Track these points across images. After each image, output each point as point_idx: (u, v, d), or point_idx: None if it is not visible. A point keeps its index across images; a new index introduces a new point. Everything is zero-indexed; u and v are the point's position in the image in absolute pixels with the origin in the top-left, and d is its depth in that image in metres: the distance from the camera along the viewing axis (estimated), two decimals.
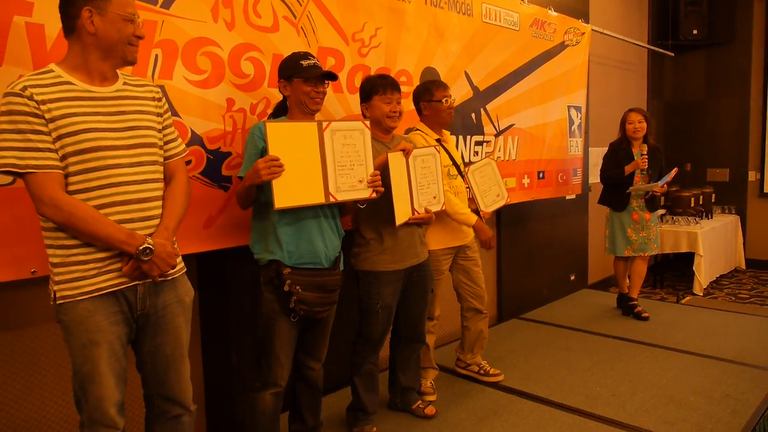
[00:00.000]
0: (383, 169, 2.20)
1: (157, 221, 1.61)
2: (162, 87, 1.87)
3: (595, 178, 5.15)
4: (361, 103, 2.39)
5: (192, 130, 2.15)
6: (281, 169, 1.88)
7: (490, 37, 3.60)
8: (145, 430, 1.76)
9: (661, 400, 2.75)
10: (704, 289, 5.22)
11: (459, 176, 2.76)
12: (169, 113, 1.74)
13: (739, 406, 2.67)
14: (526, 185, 4.09)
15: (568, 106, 4.47)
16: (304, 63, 2.06)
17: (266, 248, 2.04)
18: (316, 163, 1.99)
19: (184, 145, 1.79)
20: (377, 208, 2.27)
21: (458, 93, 3.41)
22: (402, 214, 2.27)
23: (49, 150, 1.46)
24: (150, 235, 1.57)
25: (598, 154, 5.26)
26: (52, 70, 1.52)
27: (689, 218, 5.53)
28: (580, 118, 4.65)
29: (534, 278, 4.55)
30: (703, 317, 4.16)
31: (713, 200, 5.99)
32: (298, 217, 2.02)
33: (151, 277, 1.57)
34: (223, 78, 2.23)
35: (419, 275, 2.48)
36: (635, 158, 3.96)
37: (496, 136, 3.77)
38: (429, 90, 2.66)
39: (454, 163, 2.74)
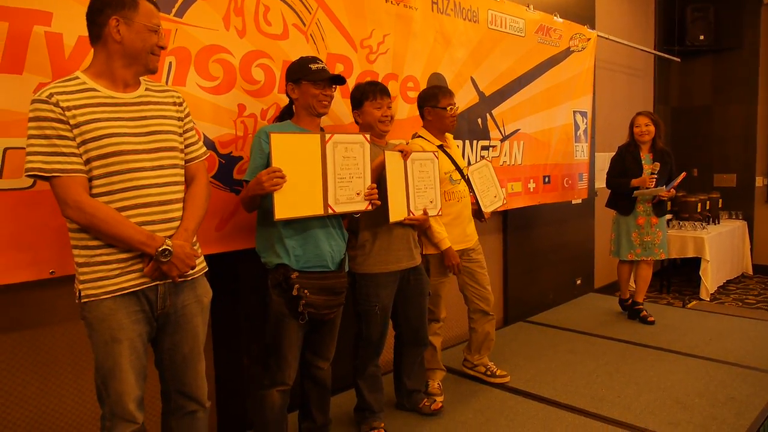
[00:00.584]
0: (380, 169, 2.25)
1: (177, 223, 1.66)
2: None
3: (601, 182, 5.17)
4: (352, 110, 2.43)
5: (204, 135, 2.21)
6: (283, 181, 1.92)
7: (496, 43, 3.65)
8: (162, 424, 1.81)
9: (666, 402, 2.77)
10: (711, 294, 5.22)
11: (462, 181, 2.80)
12: (190, 117, 1.79)
13: (744, 408, 2.68)
14: (531, 190, 4.12)
15: (574, 112, 4.51)
16: (313, 66, 2.11)
17: (273, 252, 2.08)
18: (317, 175, 2.03)
19: (204, 148, 1.83)
20: (372, 211, 2.28)
21: (464, 98, 3.46)
22: (396, 212, 2.31)
23: (74, 154, 1.51)
24: (170, 236, 1.62)
25: (604, 159, 5.29)
26: (77, 77, 1.58)
27: (696, 223, 5.54)
28: (586, 123, 4.68)
29: (540, 282, 4.58)
30: (709, 321, 4.16)
31: (720, 206, 5.99)
32: (304, 221, 2.07)
33: (171, 277, 1.62)
34: (235, 84, 2.29)
35: (416, 279, 2.52)
36: (643, 163, 3.98)
37: (502, 141, 3.81)
38: (435, 96, 2.70)
39: (458, 168, 2.77)
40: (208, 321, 1.83)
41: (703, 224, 5.56)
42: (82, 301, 1.57)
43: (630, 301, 4.28)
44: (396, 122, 2.90)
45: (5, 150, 1.75)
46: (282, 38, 2.44)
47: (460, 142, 3.44)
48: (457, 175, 2.76)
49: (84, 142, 1.52)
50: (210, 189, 1.82)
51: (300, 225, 2.06)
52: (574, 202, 4.78)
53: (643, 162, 4.00)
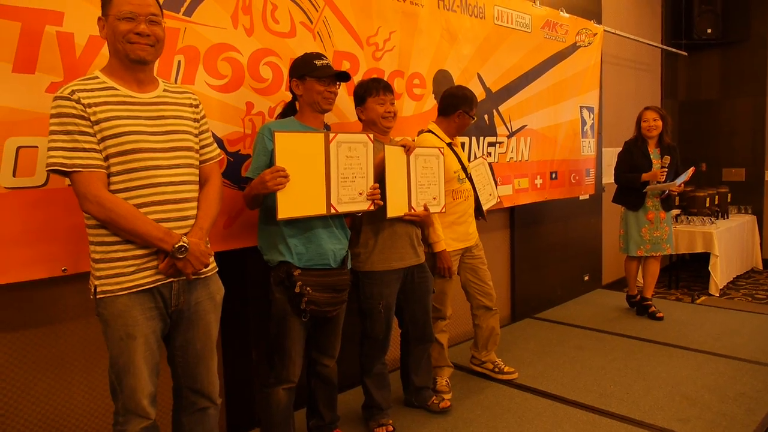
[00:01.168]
0: (382, 165, 2.25)
1: (192, 221, 1.69)
2: None
3: (608, 178, 5.15)
4: (356, 107, 2.43)
5: (213, 133, 2.20)
6: (287, 180, 1.92)
7: (503, 39, 3.65)
8: (173, 421, 1.83)
9: (675, 398, 2.77)
10: (720, 289, 5.19)
11: (467, 180, 2.80)
12: (206, 119, 1.82)
13: (754, 404, 2.68)
14: (538, 186, 4.11)
15: (581, 107, 4.49)
16: (318, 63, 2.11)
17: (276, 250, 2.09)
18: (320, 175, 2.03)
19: (218, 150, 1.86)
20: (379, 209, 2.27)
21: None
22: (395, 208, 2.30)
23: (94, 150, 1.54)
24: (185, 234, 1.64)
25: (611, 155, 5.27)
26: (97, 77, 1.60)
27: (705, 218, 5.51)
28: (593, 119, 4.67)
29: (547, 278, 4.57)
30: (719, 317, 4.15)
31: (729, 200, 5.95)
32: (306, 220, 2.07)
33: (185, 274, 1.64)
34: (243, 82, 2.31)
35: (420, 276, 2.52)
36: (652, 158, 3.97)
37: (509, 137, 3.81)
38: (470, 104, 2.72)
39: (463, 168, 2.79)
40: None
41: (712, 219, 5.53)
42: (98, 297, 1.59)
43: (638, 297, 4.27)
44: (401, 119, 2.91)
45: (18, 149, 1.77)
46: (289, 36, 2.44)
47: (466, 139, 3.44)
48: (463, 174, 2.77)
49: (104, 139, 1.55)
50: (223, 190, 1.85)
51: (302, 224, 2.07)
52: (581, 197, 4.77)
53: (651, 156, 3.99)
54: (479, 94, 3.54)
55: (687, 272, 5.93)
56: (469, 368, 3.16)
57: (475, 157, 3.49)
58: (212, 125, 2.20)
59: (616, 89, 5.41)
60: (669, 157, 3.93)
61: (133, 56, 1.59)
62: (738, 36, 6.26)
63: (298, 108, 2.20)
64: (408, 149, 2.34)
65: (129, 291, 1.58)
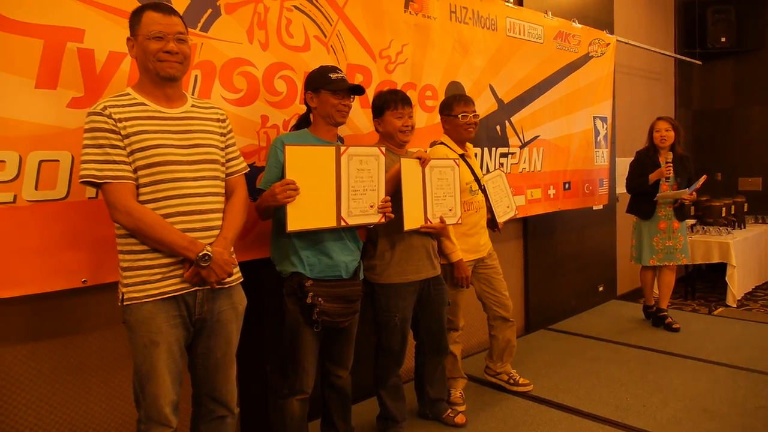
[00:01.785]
0: (397, 178, 2.26)
1: (216, 231, 1.73)
2: None
3: (622, 188, 5.13)
4: (373, 119, 2.43)
5: None
6: (296, 193, 1.94)
7: (515, 51, 3.66)
8: (191, 429, 1.85)
9: (693, 411, 2.73)
10: (738, 300, 5.12)
11: (480, 192, 2.80)
12: (233, 134, 1.87)
13: None
14: (551, 196, 4.10)
15: (594, 117, 4.48)
16: (333, 76, 2.13)
17: (288, 261, 2.11)
18: (331, 188, 2.05)
19: (245, 163, 1.90)
20: (395, 221, 2.27)
21: (483, 106, 3.46)
22: (412, 220, 2.30)
23: (124, 162, 1.60)
24: (210, 244, 1.68)
25: (625, 165, 5.23)
26: (128, 93, 1.67)
27: (721, 228, 5.45)
28: (606, 129, 4.66)
29: (561, 289, 4.54)
30: (737, 329, 4.09)
31: (746, 210, 5.88)
32: (317, 233, 2.08)
33: (209, 283, 1.68)
34: (258, 96, 2.34)
35: (436, 288, 2.52)
36: (661, 167, 3.95)
37: (521, 147, 3.81)
38: (449, 105, 2.71)
39: (476, 179, 2.78)
40: None
41: (729, 229, 5.47)
42: (125, 303, 1.64)
43: (654, 308, 4.22)
44: (414, 131, 2.92)
45: (40, 162, 1.81)
46: (304, 50, 2.48)
47: (479, 150, 3.45)
48: (475, 186, 2.77)
49: (133, 152, 1.61)
50: (248, 202, 1.89)
51: (314, 236, 2.09)
52: (595, 207, 4.75)
53: (662, 165, 3.96)
54: (491, 105, 3.55)
55: (703, 283, 5.86)
56: (483, 379, 3.14)
57: (488, 169, 3.50)
58: None
59: (629, 99, 5.40)
60: (672, 153, 3.93)
61: (163, 74, 1.66)
62: (753, 44, 6.22)
63: (312, 120, 2.22)
64: (423, 161, 2.34)
65: (155, 298, 1.63)
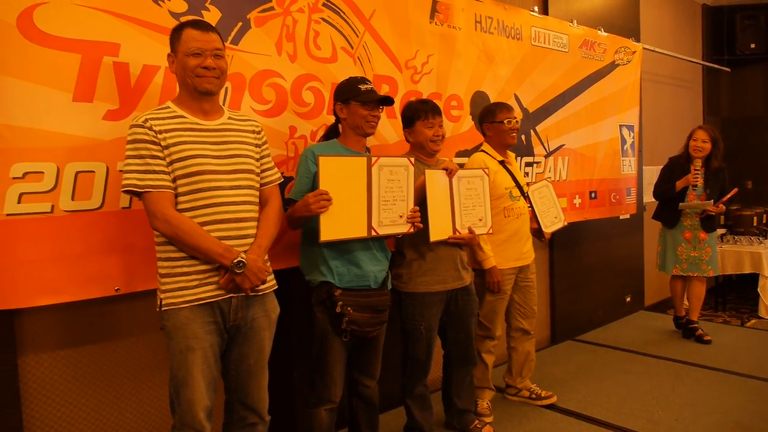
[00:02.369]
0: (423, 189, 2.26)
1: (251, 240, 1.77)
2: None
3: (649, 197, 5.05)
4: (403, 129, 2.44)
5: None
6: (329, 203, 1.96)
7: (540, 60, 3.65)
8: None
9: (726, 425, 2.66)
10: None
11: (522, 198, 2.79)
12: (267, 145, 1.91)
13: None
14: (577, 205, 4.06)
15: (620, 126, 4.44)
16: (362, 87, 2.15)
17: (317, 270, 2.12)
18: (362, 198, 2.06)
19: (279, 174, 1.95)
20: (423, 230, 2.27)
21: None
22: (438, 231, 2.30)
23: (164, 172, 1.65)
24: (245, 251, 1.72)
25: (653, 173, 5.16)
26: (168, 107, 1.73)
27: (752, 238, 5.32)
28: (633, 137, 4.60)
29: (588, 299, 4.48)
30: None
31: None
32: (347, 243, 2.10)
33: (244, 290, 1.71)
34: (286, 107, 2.37)
35: (464, 299, 2.50)
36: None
37: (546, 156, 3.78)
38: (492, 111, 2.74)
39: (517, 185, 2.78)
40: None
41: (760, 239, 5.34)
42: (163, 309, 1.68)
43: (685, 319, 4.13)
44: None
45: (77, 173, 1.86)
46: (331, 61, 2.51)
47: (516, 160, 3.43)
48: (516, 192, 2.76)
49: (172, 162, 1.66)
50: (282, 211, 1.93)
51: (343, 246, 2.10)
52: (622, 217, 4.68)
53: None
54: (516, 115, 3.53)
55: (734, 294, 5.71)
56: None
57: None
58: None
59: (657, 107, 5.32)
60: (700, 160, 3.84)
61: (201, 89, 1.71)
62: None
63: (341, 131, 2.24)
64: (450, 172, 2.34)
65: (191, 304, 1.67)
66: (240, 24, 2.22)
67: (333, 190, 1.97)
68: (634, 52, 4.51)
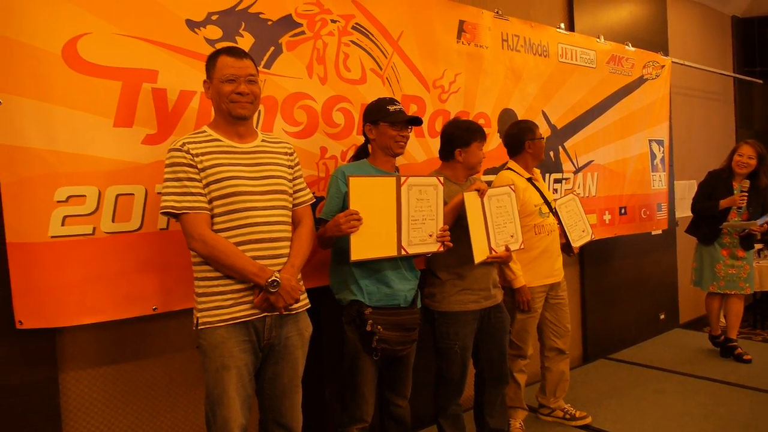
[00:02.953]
0: (458, 209, 2.27)
1: (284, 259, 1.79)
2: None
3: (682, 212, 4.96)
4: (456, 148, 2.39)
5: None
6: (360, 223, 1.98)
7: (567, 76, 3.64)
8: None
9: None
10: None
11: (551, 214, 2.78)
12: (300, 166, 1.95)
13: None
14: (607, 221, 4.01)
15: (650, 140, 4.38)
16: (391, 108, 2.18)
17: (347, 289, 2.14)
18: (392, 217, 2.08)
19: (311, 194, 1.98)
20: (453, 249, 2.26)
21: None
22: (480, 252, 2.30)
23: (200, 194, 1.70)
24: (278, 270, 1.74)
25: (684, 188, 5.08)
26: (204, 131, 1.79)
27: None
28: (663, 152, 4.53)
29: (621, 317, 4.39)
30: None
31: None
32: (377, 262, 2.11)
33: (277, 308, 1.74)
34: (317, 128, 2.42)
35: (497, 317, 2.49)
36: (734, 192, 3.79)
37: (575, 173, 3.76)
38: (531, 129, 2.77)
39: (546, 201, 2.77)
40: None
41: None
42: (199, 328, 1.72)
43: (722, 337, 4.02)
44: None
45: (117, 196, 1.92)
46: (360, 83, 2.55)
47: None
48: (545, 209, 2.76)
49: (208, 184, 1.71)
50: (314, 231, 1.95)
51: (372, 265, 2.12)
52: (653, 233, 4.60)
53: (735, 192, 3.79)
54: (544, 131, 3.52)
55: None
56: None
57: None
58: None
59: (687, 121, 5.25)
60: (748, 180, 3.74)
61: (235, 114, 1.76)
62: None
63: (370, 151, 2.27)
64: (481, 192, 2.34)
65: (226, 323, 1.70)
66: (272, 48, 2.28)
67: (363, 210, 1.99)
68: (663, 66, 4.46)
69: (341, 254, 2.10)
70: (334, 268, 2.21)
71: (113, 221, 1.92)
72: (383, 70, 2.63)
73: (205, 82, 1.81)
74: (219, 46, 1.99)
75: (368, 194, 2.03)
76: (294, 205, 1.90)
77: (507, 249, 2.41)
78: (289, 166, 1.89)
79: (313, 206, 2.37)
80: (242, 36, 2.19)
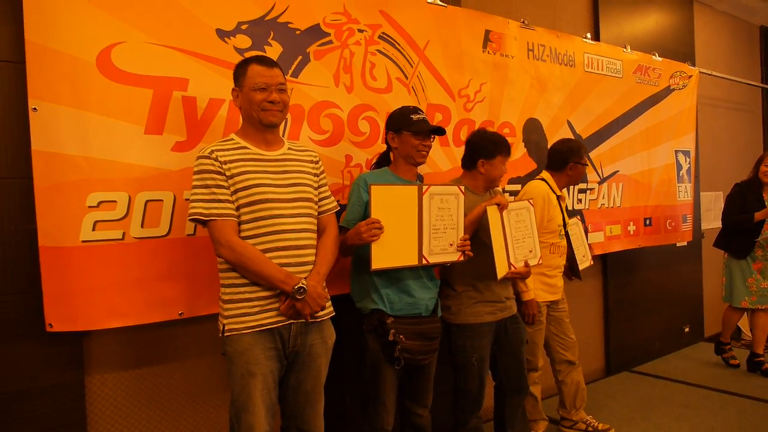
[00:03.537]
0: (482, 221, 2.25)
1: (310, 266, 1.80)
2: None
3: (707, 224, 4.87)
4: (480, 159, 2.37)
5: None
6: (381, 232, 1.98)
7: (593, 86, 3.61)
8: None
9: None
10: None
11: (565, 237, 2.80)
12: (325, 174, 1.96)
13: None
14: (632, 232, 3.96)
15: (676, 151, 4.32)
16: (414, 117, 2.17)
17: (369, 298, 2.13)
18: (413, 226, 2.07)
19: (335, 203, 1.99)
20: (469, 260, 2.24)
21: None
22: (502, 267, 2.27)
23: (228, 201, 1.71)
24: (304, 278, 1.75)
25: (710, 199, 5.00)
26: (232, 138, 1.80)
27: None
28: (689, 163, 4.47)
29: (644, 329, 4.32)
30: None
31: None
32: (397, 271, 2.11)
33: (303, 315, 1.75)
34: (343, 137, 2.43)
35: (514, 327, 2.47)
36: (766, 203, 3.72)
37: (600, 183, 3.72)
38: (579, 153, 2.80)
39: (564, 223, 2.78)
40: None
41: None
42: (225, 335, 1.72)
43: (729, 346, 3.97)
44: None
45: (146, 202, 1.95)
46: (386, 92, 2.56)
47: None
48: (563, 230, 2.77)
49: (236, 191, 1.72)
50: (339, 239, 1.96)
51: (393, 274, 2.11)
52: (678, 244, 4.52)
53: (767, 202, 3.73)
54: None
55: None
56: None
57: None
58: None
59: (714, 131, 5.16)
60: None
61: (266, 122, 1.78)
62: None
63: (392, 159, 2.27)
64: (501, 207, 2.30)
65: (253, 330, 1.71)
66: (300, 57, 2.29)
67: (384, 219, 1.99)
68: (690, 76, 4.40)
69: (362, 263, 2.10)
70: (355, 277, 2.21)
71: (142, 227, 1.94)
72: (409, 79, 2.64)
73: (234, 89, 1.83)
74: (248, 55, 2.00)
75: (389, 203, 2.02)
76: (319, 213, 1.90)
77: (526, 264, 2.38)
78: (315, 174, 1.90)
79: (338, 214, 2.40)
80: (271, 45, 2.21)
